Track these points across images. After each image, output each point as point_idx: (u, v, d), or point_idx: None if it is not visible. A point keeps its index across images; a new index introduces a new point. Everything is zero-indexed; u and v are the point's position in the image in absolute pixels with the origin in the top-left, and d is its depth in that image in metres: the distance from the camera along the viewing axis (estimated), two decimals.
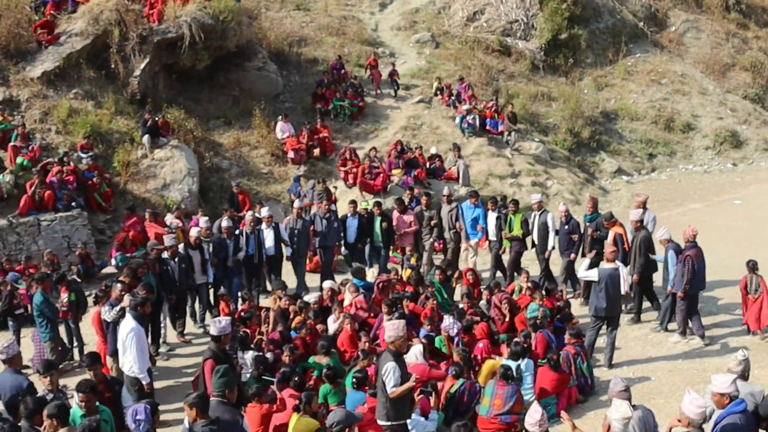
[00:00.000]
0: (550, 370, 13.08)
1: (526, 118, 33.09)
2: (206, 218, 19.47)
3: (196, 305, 18.04)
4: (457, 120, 29.83)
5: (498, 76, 35.77)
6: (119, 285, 13.73)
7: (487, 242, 20.46)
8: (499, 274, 20.26)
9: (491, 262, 20.42)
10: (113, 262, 20.81)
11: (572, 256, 18.84)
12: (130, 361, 12.17)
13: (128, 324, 12.23)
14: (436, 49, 36.92)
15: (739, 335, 16.20)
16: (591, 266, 15.26)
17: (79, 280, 19.10)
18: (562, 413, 9.65)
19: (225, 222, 18.68)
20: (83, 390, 9.58)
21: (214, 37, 28.55)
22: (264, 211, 19.63)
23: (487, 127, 29.91)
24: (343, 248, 20.99)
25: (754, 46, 41.54)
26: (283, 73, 32.38)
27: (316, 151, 27.82)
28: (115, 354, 13.11)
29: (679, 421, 8.44)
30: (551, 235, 19.03)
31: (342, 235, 20.40)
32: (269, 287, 19.70)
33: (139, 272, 15.08)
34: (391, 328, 10.66)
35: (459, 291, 17.83)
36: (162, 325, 16.51)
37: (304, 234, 19.63)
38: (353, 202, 21.05)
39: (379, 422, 10.71)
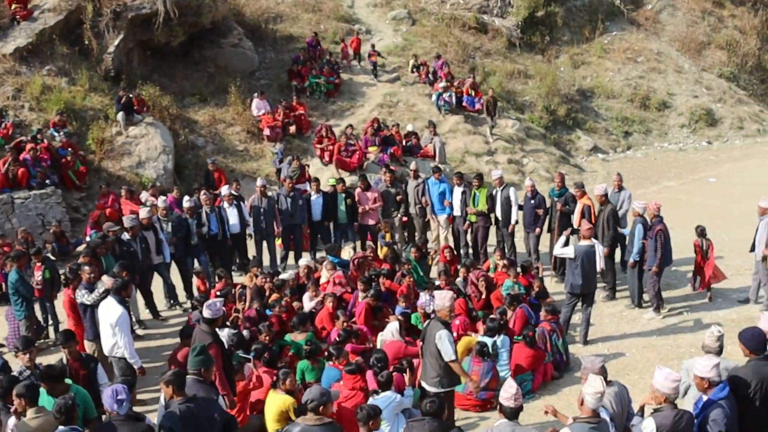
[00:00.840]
0: (525, 346, 13.13)
1: (502, 95, 33.09)
2: (164, 198, 19.16)
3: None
4: (434, 97, 29.81)
5: (474, 54, 35.73)
6: (87, 268, 13.59)
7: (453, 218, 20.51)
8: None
9: (455, 236, 20.50)
10: (88, 239, 20.69)
11: (537, 230, 18.97)
12: (120, 347, 12.08)
13: (115, 309, 12.09)
14: (413, 26, 36.81)
15: (711, 310, 16.32)
16: (566, 243, 15.34)
17: (53, 258, 18.98)
18: (545, 406, 9.69)
19: (186, 202, 18.48)
20: (43, 380, 9.49)
21: (189, 14, 28.37)
22: (224, 189, 19.62)
23: (464, 104, 29.88)
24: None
25: (729, 25, 41.67)
26: (258, 50, 32.18)
27: (292, 129, 27.69)
28: (96, 337, 12.99)
29: (652, 397, 8.44)
30: (514, 209, 19.11)
31: (307, 213, 20.25)
32: (237, 265, 19.73)
33: (98, 252, 15.03)
34: (439, 297, 10.76)
35: (435, 268, 17.85)
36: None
37: (269, 212, 19.59)
38: (316, 180, 21.05)
39: (430, 389, 10.82)
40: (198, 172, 25.42)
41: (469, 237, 20.16)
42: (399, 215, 20.59)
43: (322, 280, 16.38)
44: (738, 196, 24.82)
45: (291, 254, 20.44)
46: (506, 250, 19.07)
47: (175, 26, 28.01)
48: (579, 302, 15.15)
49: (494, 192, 19.35)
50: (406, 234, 20.90)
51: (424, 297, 14.83)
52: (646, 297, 16.83)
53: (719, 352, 9.29)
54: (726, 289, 17.40)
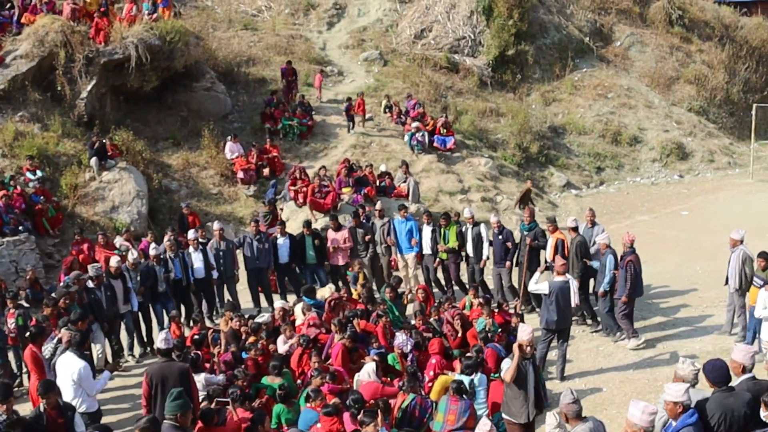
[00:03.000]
0: (502, 383, 13.12)
1: (475, 134, 33.30)
2: (134, 253, 18.68)
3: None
4: (407, 137, 29.91)
5: (446, 93, 35.96)
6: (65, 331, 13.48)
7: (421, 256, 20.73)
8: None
9: (426, 276, 20.66)
10: (61, 286, 20.57)
11: (507, 264, 19.28)
12: (81, 402, 12.00)
13: (74, 363, 12.03)
14: (385, 66, 37.02)
15: (687, 343, 16.41)
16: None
17: (27, 305, 18.84)
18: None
19: (152, 250, 18.47)
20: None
21: (162, 58, 28.44)
22: (190, 234, 19.58)
23: (435, 144, 29.98)
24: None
25: (697, 60, 42.22)
26: (231, 93, 32.27)
27: (266, 171, 27.73)
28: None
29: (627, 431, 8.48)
30: (485, 245, 19.47)
31: (273, 256, 20.24)
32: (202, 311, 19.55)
33: (61, 303, 14.98)
34: (521, 330, 11.59)
35: (410, 307, 17.87)
36: (99, 352, 16.41)
37: (228, 255, 19.66)
38: (282, 224, 21.13)
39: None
40: (172, 215, 25.39)
41: (440, 274, 20.37)
42: (368, 255, 20.67)
43: (298, 322, 16.35)
44: (710, 228, 25.04)
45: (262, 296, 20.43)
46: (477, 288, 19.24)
47: (148, 71, 28.06)
48: (555, 338, 15.21)
49: (464, 229, 19.72)
50: (373, 274, 20.95)
51: (400, 337, 14.82)
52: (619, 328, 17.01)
53: (695, 383, 9.37)
54: (701, 321, 17.54)
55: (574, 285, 15.14)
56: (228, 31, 37.40)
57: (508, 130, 34.41)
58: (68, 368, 11.99)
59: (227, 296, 19.99)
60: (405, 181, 26.23)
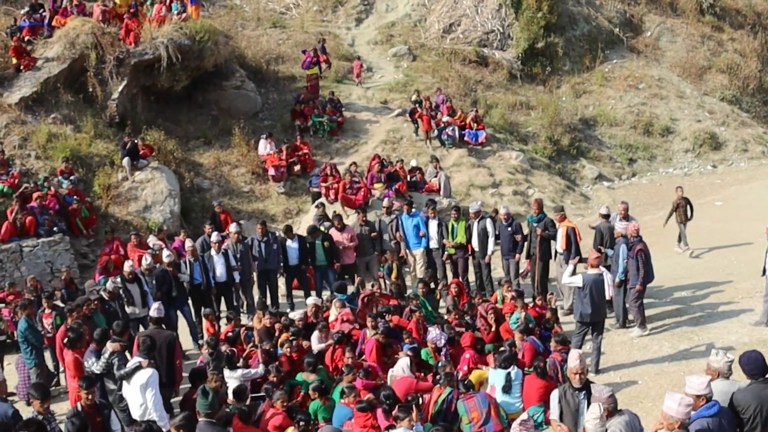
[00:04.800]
0: (537, 377, 13.06)
1: (505, 127, 33.21)
2: (148, 259, 18.35)
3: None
4: (436, 132, 29.85)
5: (476, 87, 35.87)
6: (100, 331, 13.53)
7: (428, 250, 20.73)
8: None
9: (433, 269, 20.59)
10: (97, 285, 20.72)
11: (516, 257, 19.33)
12: (150, 409, 12.03)
13: (144, 371, 12.14)
14: (414, 62, 36.99)
15: (723, 335, 16.26)
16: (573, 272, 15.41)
17: (62, 305, 18.99)
18: (554, 422, 9.69)
19: (165, 257, 18.36)
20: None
21: (192, 58, 28.59)
22: (214, 236, 19.50)
23: (466, 138, 29.92)
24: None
25: (729, 48, 41.79)
26: (261, 91, 32.37)
27: (297, 168, 27.79)
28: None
29: (663, 424, 8.42)
30: (491, 240, 19.48)
31: (282, 257, 20.22)
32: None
33: (84, 310, 15.04)
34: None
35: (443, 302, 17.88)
36: None
37: (245, 257, 19.65)
38: (289, 228, 20.98)
39: None
40: (204, 214, 25.47)
41: (448, 269, 20.48)
42: (374, 253, 20.92)
43: (331, 318, 16.38)
44: (745, 218, 24.78)
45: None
46: (483, 281, 19.69)
47: (178, 71, 28.24)
48: (589, 331, 15.13)
49: (470, 223, 19.73)
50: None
51: (434, 332, 14.82)
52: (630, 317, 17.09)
53: (729, 375, 9.30)
54: (737, 312, 17.37)
55: (608, 277, 15.05)
56: (257, 30, 37.55)
57: (538, 123, 34.28)
58: (138, 376, 12.11)
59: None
60: (436, 176, 26.18)
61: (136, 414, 12.12)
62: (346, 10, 40.70)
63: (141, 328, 17.11)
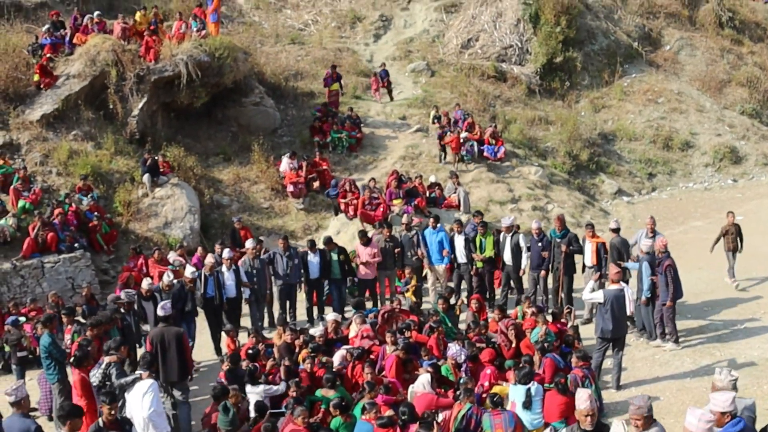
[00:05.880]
0: (558, 393, 13.02)
1: (524, 143, 33.18)
2: (169, 276, 18.52)
3: None
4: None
5: (495, 102, 35.85)
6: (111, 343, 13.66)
7: (456, 265, 20.79)
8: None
9: (458, 284, 20.81)
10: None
11: (543, 273, 19.43)
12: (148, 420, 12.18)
13: (144, 382, 12.34)
14: (432, 77, 37.02)
15: (745, 350, 16.19)
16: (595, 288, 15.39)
17: (84, 320, 19.06)
18: None
19: (189, 273, 18.45)
20: None
21: (211, 74, 28.73)
22: (225, 253, 19.55)
23: (485, 154, 29.88)
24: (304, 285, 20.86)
25: (749, 62, 41.63)
26: (280, 108, 32.48)
27: (316, 184, 27.82)
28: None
29: None
30: (524, 255, 19.57)
31: (303, 272, 20.36)
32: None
33: (105, 327, 15.12)
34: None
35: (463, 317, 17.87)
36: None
37: (261, 273, 19.75)
38: (312, 243, 21.08)
39: None
40: (224, 230, 25.53)
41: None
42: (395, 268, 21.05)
43: (351, 334, 16.40)
44: (766, 233, 24.67)
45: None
46: (518, 294, 19.73)
47: (198, 87, 28.38)
48: (610, 347, 15.10)
49: (502, 237, 19.93)
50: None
51: (454, 347, 14.82)
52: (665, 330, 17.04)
53: (734, 387, 9.29)
54: (760, 328, 17.29)
55: (629, 293, 15.04)
56: (275, 46, 37.69)
57: (557, 138, 34.22)
58: (138, 388, 12.25)
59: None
60: (455, 192, 26.19)
61: (139, 428, 12.19)
62: (364, 26, 40.81)
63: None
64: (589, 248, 18.64)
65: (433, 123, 31.98)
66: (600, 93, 38.21)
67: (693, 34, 42.51)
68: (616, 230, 18.85)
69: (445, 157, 30.19)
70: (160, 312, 14.81)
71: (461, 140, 29.36)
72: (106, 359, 12.96)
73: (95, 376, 12.99)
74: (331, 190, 26.73)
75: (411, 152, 30.55)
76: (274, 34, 38.87)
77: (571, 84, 38.05)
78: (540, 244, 19.29)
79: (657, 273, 16.61)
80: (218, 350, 18.69)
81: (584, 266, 19.04)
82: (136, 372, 12.78)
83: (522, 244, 19.53)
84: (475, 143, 29.72)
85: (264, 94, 31.91)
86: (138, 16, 30.24)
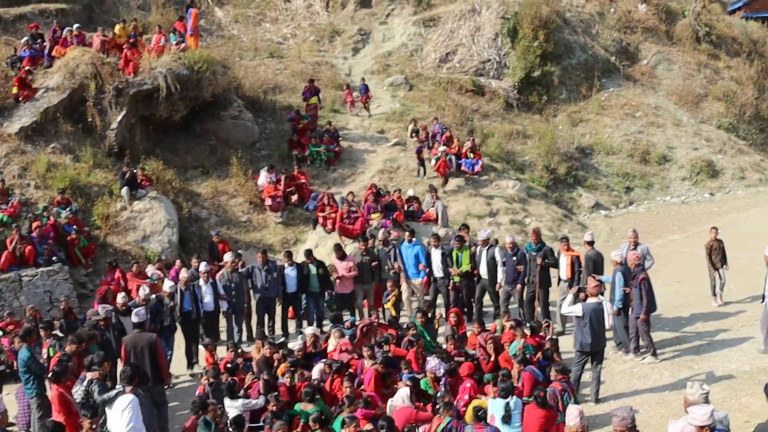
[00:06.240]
0: (537, 407, 13.03)
1: (502, 156, 33.30)
2: (145, 289, 18.27)
3: None
4: (433, 161, 29.84)
5: (473, 116, 35.96)
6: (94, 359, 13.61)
7: (433, 279, 20.73)
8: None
9: (434, 298, 20.53)
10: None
11: (518, 287, 19.43)
12: None
13: (125, 397, 12.26)
14: (410, 91, 37.10)
15: (723, 363, 16.28)
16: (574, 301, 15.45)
17: (62, 334, 18.96)
18: None
19: (167, 287, 18.46)
20: None
21: (190, 88, 28.74)
22: (202, 266, 19.52)
23: (463, 168, 29.92)
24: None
25: (725, 76, 42.02)
26: (258, 121, 32.47)
27: (294, 198, 27.80)
28: None
29: None
30: (500, 268, 19.60)
31: (281, 285, 20.45)
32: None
33: (86, 342, 15.06)
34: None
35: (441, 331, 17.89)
36: None
37: (240, 287, 19.81)
38: (289, 254, 21.26)
39: None
40: (202, 244, 25.51)
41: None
42: (374, 282, 21.01)
43: (330, 348, 16.38)
44: (743, 246, 24.79)
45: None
46: (496, 308, 20.04)
47: (177, 101, 28.37)
48: (588, 360, 15.16)
49: (478, 251, 20.00)
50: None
51: (433, 361, 14.81)
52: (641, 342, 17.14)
53: (706, 401, 9.35)
54: (738, 340, 17.41)
55: (607, 306, 15.13)
56: (254, 60, 37.72)
57: (535, 151, 34.37)
58: (119, 402, 12.19)
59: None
60: (433, 206, 26.24)
61: None
62: (342, 40, 40.89)
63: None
64: (564, 261, 18.79)
65: (412, 137, 32.01)
66: (578, 107, 38.45)
67: (670, 49, 42.90)
68: (591, 243, 18.97)
69: (424, 173, 30.18)
70: (134, 318, 15.05)
71: (439, 153, 29.37)
72: (89, 376, 12.89)
73: (77, 393, 12.91)
74: (311, 204, 26.79)
75: (389, 166, 30.58)
76: (253, 48, 38.90)
77: (548, 98, 38.28)
78: (514, 258, 19.33)
79: (631, 285, 16.75)
80: (191, 364, 18.80)
81: (559, 279, 19.15)
82: (117, 386, 12.73)
83: (498, 257, 19.59)
84: (453, 157, 29.76)
85: (243, 107, 31.88)
86: (117, 29, 30.20)
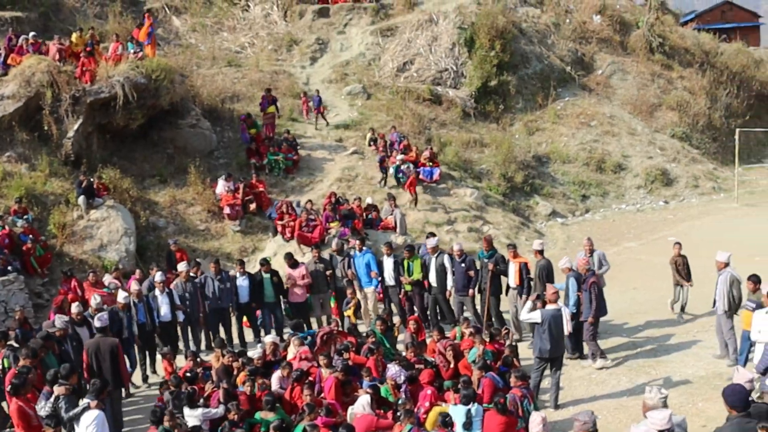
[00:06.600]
0: (497, 413, 13.09)
1: (459, 165, 33.43)
2: (98, 298, 18.42)
3: None
4: (392, 170, 29.91)
5: (430, 125, 36.09)
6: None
7: (384, 288, 20.98)
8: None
9: (386, 307, 20.66)
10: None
11: (470, 292, 19.60)
12: None
13: (90, 413, 12.21)
14: (368, 100, 37.18)
15: (680, 368, 16.47)
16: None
17: (17, 345, 18.75)
18: None
19: (121, 298, 18.24)
20: None
21: (148, 96, 28.56)
22: (158, 276, 19.46)
23: (420, 176, 29.99)
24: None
25: (678, 86, 42.67)
26: (216, 130, 32.32)
27: (252, 206, 27.73)
28: None
29: None
30: (449, 275, 19.68)
31: (234, 296, 20.45)
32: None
33: (39, 353, 14.91)
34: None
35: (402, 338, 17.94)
36: None
37: (194, 297, 19.77)
38: (241, 262, 21.28)
39: None
40: (160, 253, 25.32)
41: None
42: (330, 290, 21.11)
43: (289, 356, 16.37)
44: (697, 254, 25.04)
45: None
46: (445, 316, 20.23)
47: (134, 109, 28.16)
48: (548, 366, 15.27)
49: (427, 259, 20.03)
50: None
51: (393, 368, 14.85)
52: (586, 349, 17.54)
53: (665, 405, 9.46)
54: (692, 345, 17.62)
55: (566, 313, 15.25)
56: (212, 68, 37.56)
57: (492, 160, 34.57)
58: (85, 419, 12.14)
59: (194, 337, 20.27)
60: (392, 214, 26.29)
61: None
62: (300, 49, 40.86)
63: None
64: (513, 269, 18.97)
65: (369, 145, 32.11)
66: (534, 116, 38.78)
67: (624, 59, 43.48)
68: (541, 252, 19.19)
69: (385, 183, 30.25)
70: (97, 323, 15.39)
71: (397, 162, 29.42)
72: (56, 391, 12.71)
73: (44, 409, 12.74)
74: (273, 212, 26.75)
75: (347, 174, 30.59)
76: (211, 57, 38.75)
77: (505, 107, 38.58)
78: (463, 264, 19.51)
79: (582, 290, 16.98)
80: (145, 377, 18.89)
81: (508, 287, 19.32)
82: (83, 400, 12.61)
83: (447, 265, 19.68)
84: (411, 165, 29.83)
85: (200, 116, 31.72)
86: (74, 37, 30.02)
